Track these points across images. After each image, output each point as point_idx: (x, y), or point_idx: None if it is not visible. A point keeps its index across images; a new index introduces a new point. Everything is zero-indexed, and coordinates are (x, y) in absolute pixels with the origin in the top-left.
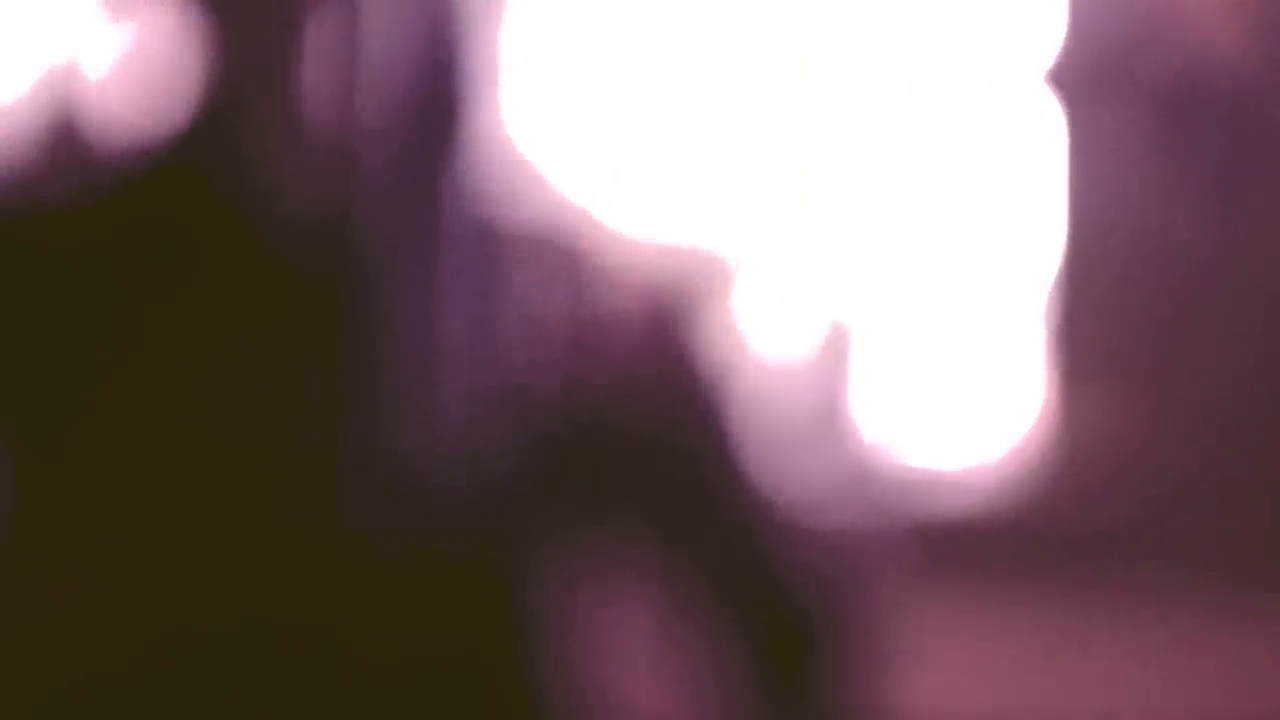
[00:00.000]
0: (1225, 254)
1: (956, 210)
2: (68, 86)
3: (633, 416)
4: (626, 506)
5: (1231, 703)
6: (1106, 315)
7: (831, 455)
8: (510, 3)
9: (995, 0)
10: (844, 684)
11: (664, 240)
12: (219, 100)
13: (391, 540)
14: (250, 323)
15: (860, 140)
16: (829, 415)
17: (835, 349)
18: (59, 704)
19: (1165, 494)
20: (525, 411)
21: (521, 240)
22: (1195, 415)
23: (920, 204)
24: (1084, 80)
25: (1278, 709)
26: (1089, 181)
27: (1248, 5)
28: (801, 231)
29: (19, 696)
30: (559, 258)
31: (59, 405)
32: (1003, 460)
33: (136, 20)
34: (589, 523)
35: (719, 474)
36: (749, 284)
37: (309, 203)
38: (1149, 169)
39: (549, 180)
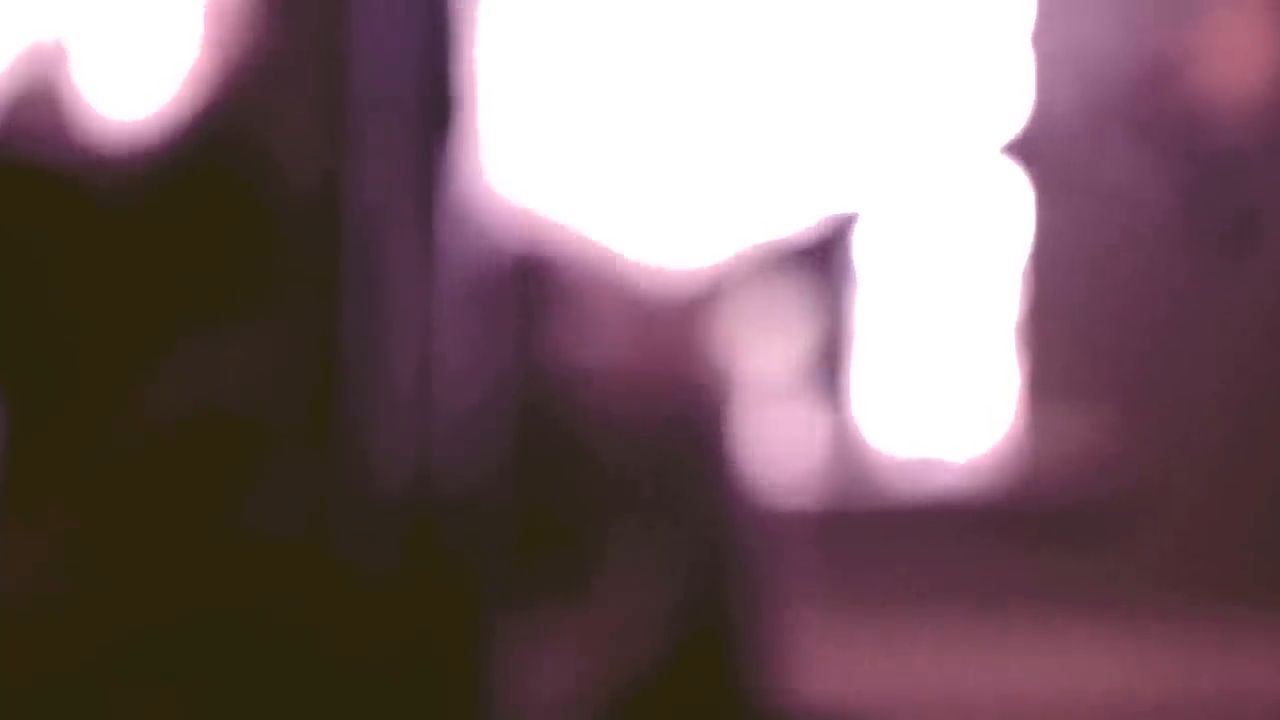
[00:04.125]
0: (1195, 273)
1: (936, 230)
2: (56, 63)
3: (623, 423)
4: (613, 513)
5: (1199, 697)
6: (1076, 332)
7: (814, 442)
8: (504, 12)
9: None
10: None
11: (654, 251)
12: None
13: (371, 543)
14: (237, 308)
15: (846, 160)
16: (816, 410)
17: (828, 355)
18: (44, 679)
19: (1133, 502)
20: (511, 421)
21: (513, 254)
22: (1164, 427)
23: (904, 219)
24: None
25: (1246, 701)
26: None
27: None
28: (790, 246)
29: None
30: (551, 269)
31: (49, 381)
32: (972, 462)
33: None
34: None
35: (708, 479)
36: (741, 292)
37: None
38: (1122, 195)
39: (541, 193)
